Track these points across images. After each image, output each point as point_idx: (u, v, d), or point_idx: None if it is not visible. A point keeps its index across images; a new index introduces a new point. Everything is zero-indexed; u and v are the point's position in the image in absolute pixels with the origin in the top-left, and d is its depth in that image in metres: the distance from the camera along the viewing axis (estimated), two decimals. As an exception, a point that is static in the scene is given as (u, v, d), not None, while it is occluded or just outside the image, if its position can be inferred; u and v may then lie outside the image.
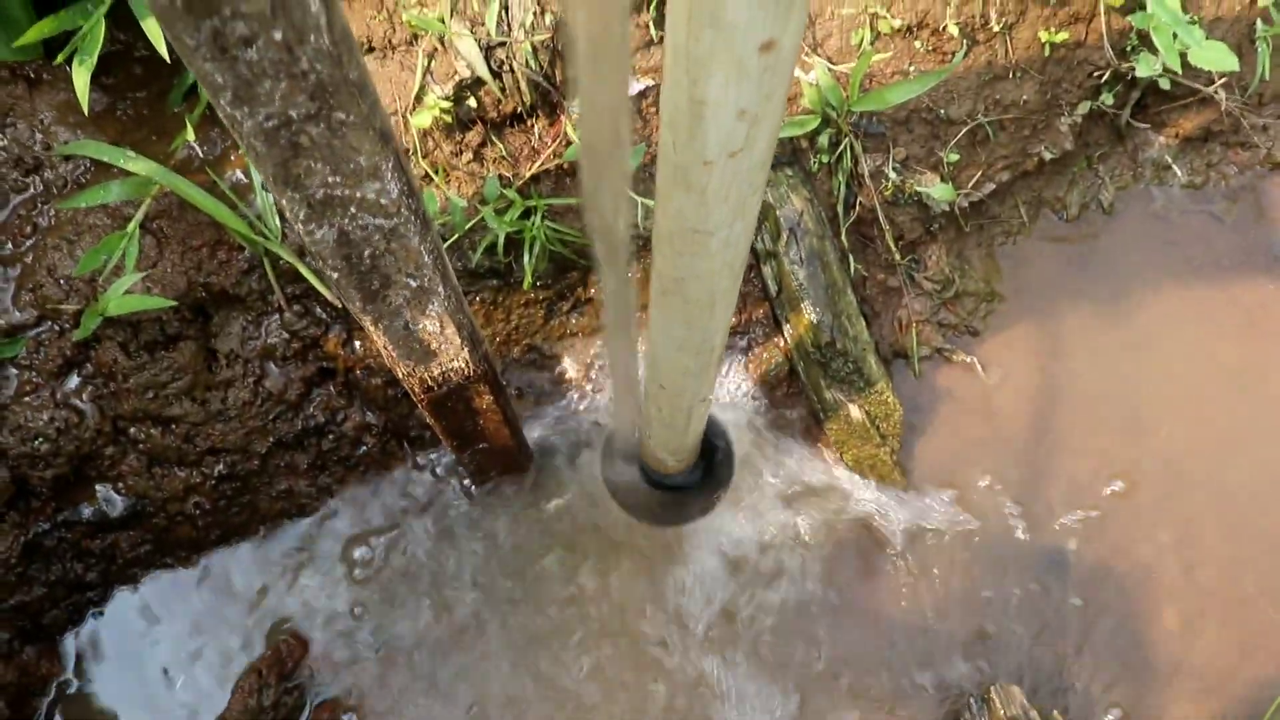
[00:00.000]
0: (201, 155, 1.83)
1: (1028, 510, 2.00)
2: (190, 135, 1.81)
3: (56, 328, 1.79)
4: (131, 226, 1.70)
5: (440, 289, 1.22)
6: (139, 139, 1.85)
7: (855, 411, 1.92)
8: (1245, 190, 2.26)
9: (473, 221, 1.84)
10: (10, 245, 1.80)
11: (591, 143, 0.88)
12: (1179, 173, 2.26)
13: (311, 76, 0.86)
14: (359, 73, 0.90)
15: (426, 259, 1.16)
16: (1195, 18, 2.06)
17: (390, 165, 1.01)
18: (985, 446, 2.04)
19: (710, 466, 1.79)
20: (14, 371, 1.78)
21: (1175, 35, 1.97)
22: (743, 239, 1.01)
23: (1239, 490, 2.03)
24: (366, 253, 1.10)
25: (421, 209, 1.11)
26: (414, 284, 1.19)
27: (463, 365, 1.40)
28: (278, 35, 0.81)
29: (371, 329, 1.26)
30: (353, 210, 1.03)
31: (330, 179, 0.98)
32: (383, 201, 1.04)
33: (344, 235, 1.06)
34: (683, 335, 1.22)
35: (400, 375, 1.41)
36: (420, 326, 1.27)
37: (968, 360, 2.09)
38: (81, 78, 1.67)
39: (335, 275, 1.13)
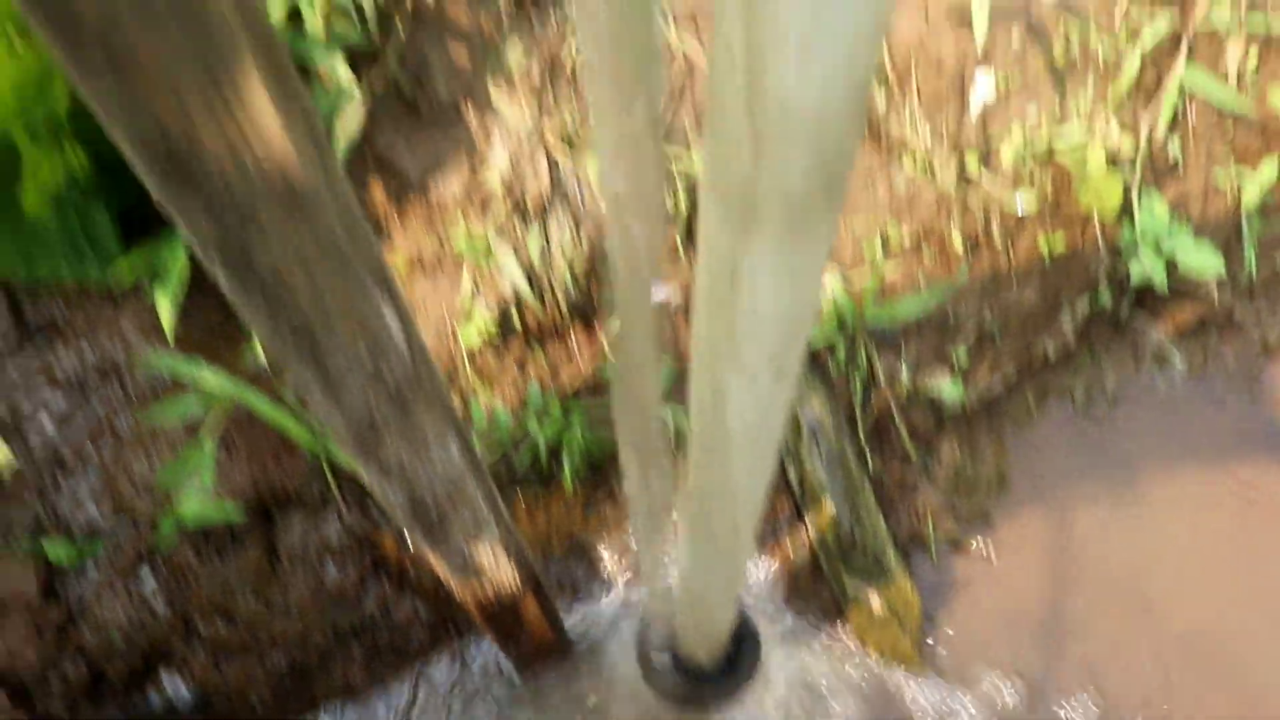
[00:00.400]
0: (267, 366, 1.99)
1: (1043, 696, 2.07)
2: (258, 350, 1.97)
3: (133, 526, 1.93)
4: (207, 445, 1.85)
5: (493, 524, 1.35)
6: (212, 348, 2.02)
7: (876, 602, 2.02)
8: (1242, 375, 2.38)
9: (515, 427, 1.98)
10: (93, 450, 1.96)
11: (624, 360, 1.01)
12: (1178, 361, 2.39)
13: (391, 382, 1.01)
14: (430, 372, 1.05)
15: (482, 502, 1.29)
16: (1185, 217, 2.21)
17: (452, 434, 1.15)
18: (1002, 631, 2.12)
19: (738, 654, 1.89)
20: (93, 569, 1.92)
21: (1162, 245, 2.13)
22: (762, 492, 1.14)
23: (1248, 670, 2.09)
24: (429, 501, 1.24)
25: (478, 461, 1.25)
26: (470, 522, 1.32)
27: (512, 584, 1.53)
28: (365, 357, 0.96)
29: (430, 556, 1.39)
30: (420, 471, 1.17)
31: (402, 450, 1.12)
32: (445, 464, 1.18)
33: (411, 490, 1.20)
34: (709, 556, 1.34)
35: (454, 590, 1.54)
36: (475, 555, 1.40)
37: (982, 546, 2.19)
38: (166, 310, 1.84)
39: (400, 517, 1.27)
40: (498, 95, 1.87)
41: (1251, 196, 2.21)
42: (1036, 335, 2.22)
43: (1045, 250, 2.14)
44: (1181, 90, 2.13)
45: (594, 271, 1.99)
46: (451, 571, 1.46)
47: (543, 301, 1.98)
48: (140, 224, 2.05)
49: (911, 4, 1.99)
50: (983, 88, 2.01)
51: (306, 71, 1.76)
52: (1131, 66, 2.06)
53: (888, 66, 1.99)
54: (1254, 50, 2.11)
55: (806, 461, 2.03)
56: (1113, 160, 2.07)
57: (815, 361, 2.10)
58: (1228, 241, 2.29)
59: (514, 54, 1.85)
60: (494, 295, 1.96)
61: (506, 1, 1.87)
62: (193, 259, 2.02)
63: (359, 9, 1.76)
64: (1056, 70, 2.06)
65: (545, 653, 2.03)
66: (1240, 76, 2.13)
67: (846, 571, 2.03)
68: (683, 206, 1.99)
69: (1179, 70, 2.11)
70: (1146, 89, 2.12)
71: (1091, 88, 2.06)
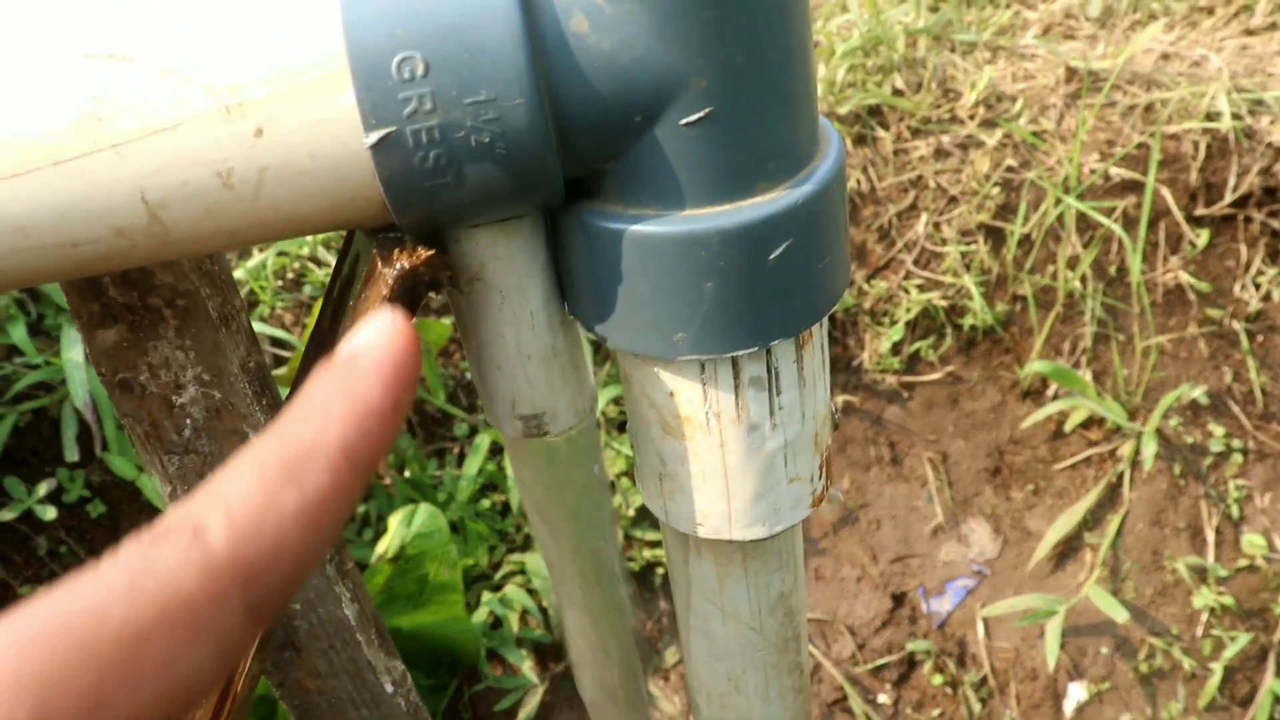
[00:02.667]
0: None
1: None
2: None
3: None
4: None
5: None
6: None
7: None
8: None
9: None
10: None
11: None
12: None
13: None
14: None
15: None
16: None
17: None
18: None
19: None
20: None
21: None
22: None
23: None
24: None
25: None
26: None
27: None
28: None
29: None
30: None
31: None
32: None
33: None
34: None
35: None
36: None
37: None
38: None
39: None
40: (657, 691, 2.15)
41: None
42: None
43: None
44: (1275, 700, 2.24)
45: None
46: None
47: None
48: None
49: (1006, 621, 2.23)
50: (1075, 697, 2.17)
51: (504, 663, 2.08)
52: (1216, 677, 2.20)
53: (989, 675, 2.20)
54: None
55: None
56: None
57: None
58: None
59: (671, 658, 2.15)
60: None
61: (670, 619, 2.20)
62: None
63: (544, 611, 2.10)
64: (1145, 678, 2.22)
65: None
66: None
67: None
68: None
69: (1268, 681, 2.24)
70: (1238, 696, 2.25)
71: (1183, 699, 2.20)
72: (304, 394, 0.32)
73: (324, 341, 0.56)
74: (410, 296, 0.49)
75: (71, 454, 1.87)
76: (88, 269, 0.49)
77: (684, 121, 0.47)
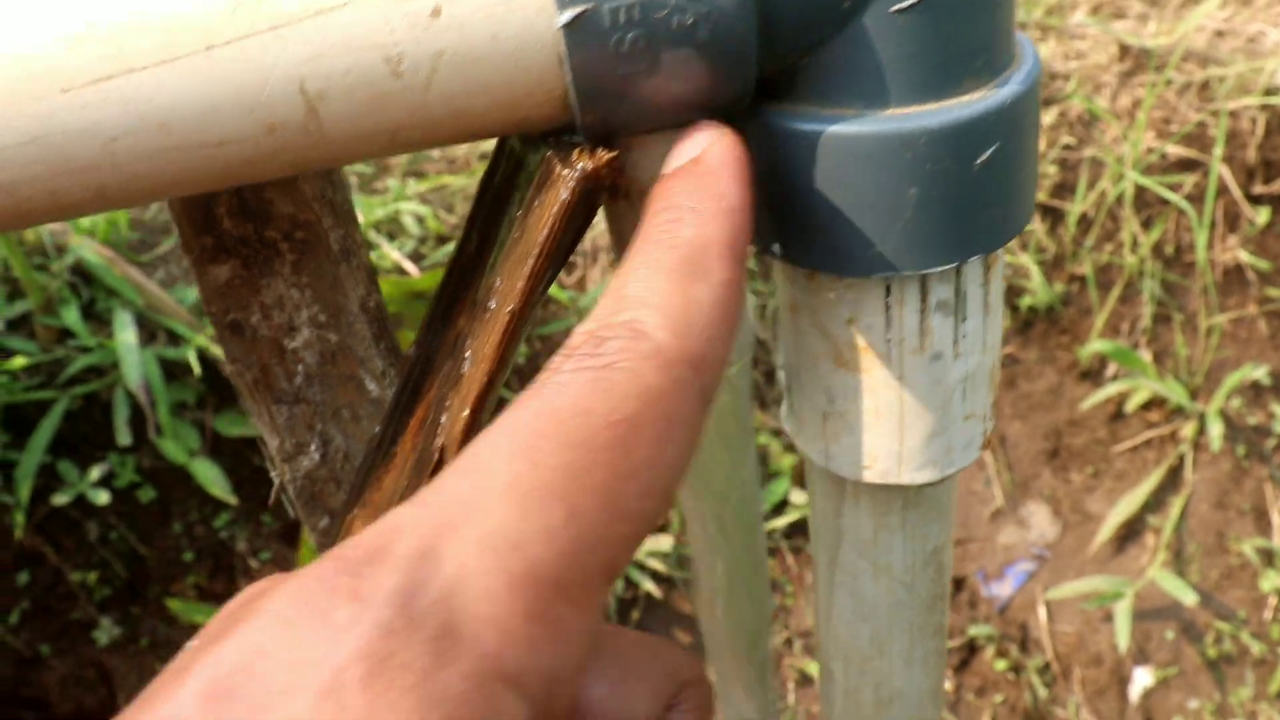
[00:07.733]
0: None
1: None
2: None
3: None
4: None
5: None
6: None
7: None
8: None
9: None
10: None
11: None
12: None
13: None
14: None
15: None
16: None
17: None
18: None
19: None
20: None
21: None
22: None
23: None
24: None
25: None
26: None
27: None
28: None
29: None
30: None
31: None
32: None
33: None
34: None
35: None
36: None
37: None
38: None
39: None
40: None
41: None
42: None
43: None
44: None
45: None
46: None
47: None
48: None
49: (1069, 605, 2.16)
50: (1141, 681, 2.11)
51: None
52: (1286, 665, 2.14)
53: (1052, 659, 2.14)
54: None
55: None
56: (1278, 757, 2.09)
57: None
58: None
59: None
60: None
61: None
62: None
63: (601, 597, 2.04)
64: (1213, 665, 2.15)
65: None
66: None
67: None
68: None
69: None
70: (1306, 684, 2.18)
71: (1252, 684, 2.13)
72: (662, 202, 0.33)
73: (471, 266, 0.51)
74: (588, 203, 0.44)
75: (124, 438, 1.84)
76: (229, 175, 0.44)
77: (896, 8, 0.42)
